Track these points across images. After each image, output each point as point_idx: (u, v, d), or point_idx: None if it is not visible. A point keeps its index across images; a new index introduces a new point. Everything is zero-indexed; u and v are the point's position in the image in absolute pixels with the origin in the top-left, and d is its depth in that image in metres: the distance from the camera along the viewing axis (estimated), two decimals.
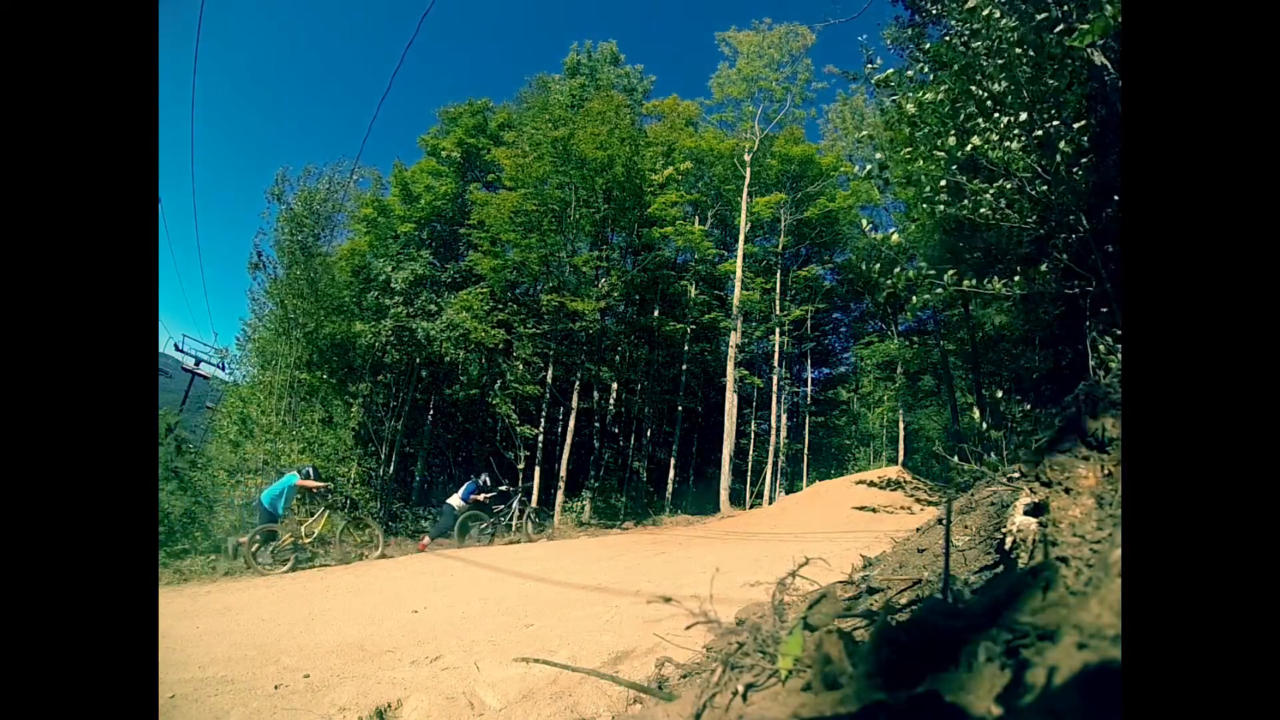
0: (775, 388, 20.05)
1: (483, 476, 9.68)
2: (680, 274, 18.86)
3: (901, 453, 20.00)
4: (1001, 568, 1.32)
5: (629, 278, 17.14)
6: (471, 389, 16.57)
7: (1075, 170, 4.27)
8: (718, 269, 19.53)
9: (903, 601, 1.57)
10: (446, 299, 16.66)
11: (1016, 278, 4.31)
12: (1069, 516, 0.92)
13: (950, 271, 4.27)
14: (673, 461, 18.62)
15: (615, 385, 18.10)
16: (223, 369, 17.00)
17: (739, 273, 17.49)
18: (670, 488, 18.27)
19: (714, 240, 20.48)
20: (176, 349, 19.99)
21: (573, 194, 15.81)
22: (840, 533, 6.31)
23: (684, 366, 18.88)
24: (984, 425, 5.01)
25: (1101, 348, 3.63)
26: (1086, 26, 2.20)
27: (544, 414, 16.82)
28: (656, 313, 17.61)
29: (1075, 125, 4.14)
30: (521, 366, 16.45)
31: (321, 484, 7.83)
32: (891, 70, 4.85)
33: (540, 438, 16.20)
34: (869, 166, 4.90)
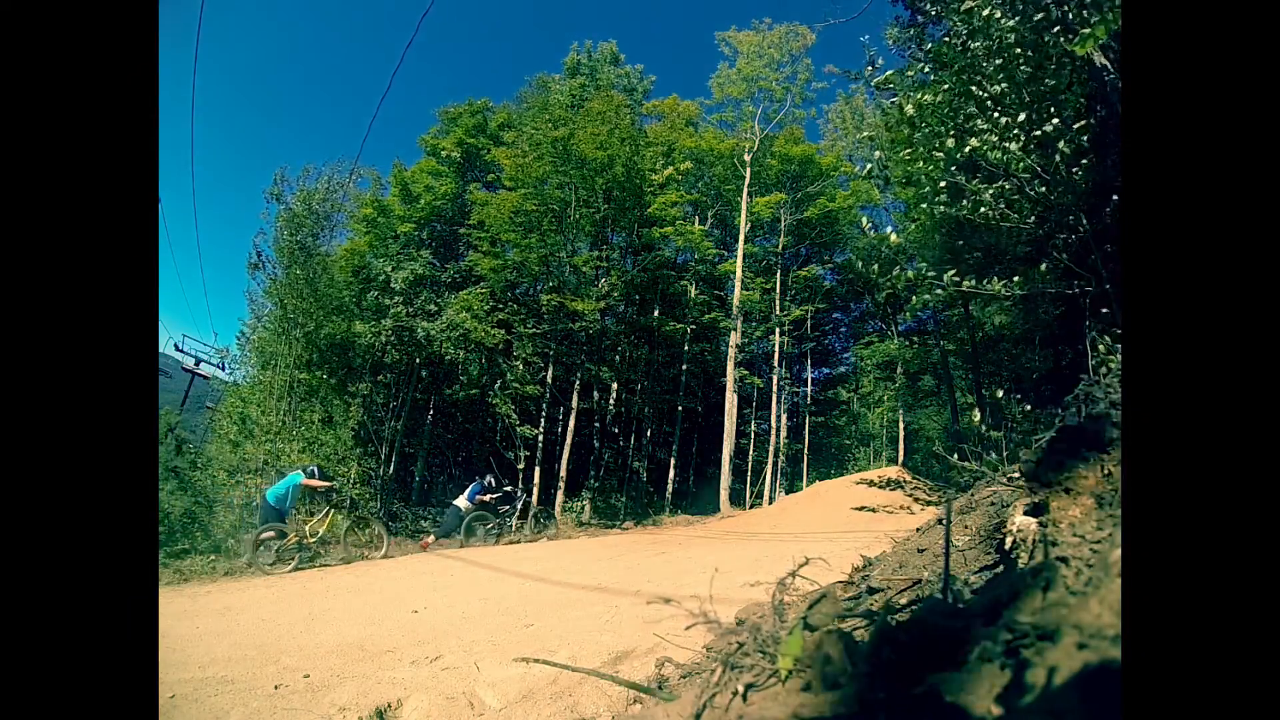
0: (775, 388, 20.05)
1: (488, 478, 9.81)
2: (680, 274, 18.87)
3: (901, 453, 20.01)
4: (1001, 568, 1.32)
5: (629, 278, 17.14)
6: (471, 389, 16.58)
7: (1075, 170, 4.27)
8: (718, 269, 19.53)
9: (903, 601, 1.57)
10: (446, 299, 16.67)
11: (1016, 278, 4.31)
12: (1069, 516, 0.92)
13: (950, 272, 4.27)
14: (673, 461, 18.62)
15: (615, 385, 18.10)
16: (223, 369, 17.00)
17: (739, 273, 17.49)
18: (670, 488, 18.27)
19: (714, 240, 20.49)
20: (176, 349, 20.01)
21: (573, 194, 15.81)
22: (840, 533, 6.31)
23: (684, 366, 18.89)
24: (984, 425, 5.00)
25: (1101, 347, 3.63)
26: (1088, 31, 2.20)
27: (544, 414, 16.82)
28: (656, 313, 17.61)
29: (1075, 125, 4.14)
30: (521, 366, 16.46)
31: (326, 484, 7.85)
32: (892, 71, 4.85)
33: (540, 438, 16.20)
34: (869, 166, 4.91)
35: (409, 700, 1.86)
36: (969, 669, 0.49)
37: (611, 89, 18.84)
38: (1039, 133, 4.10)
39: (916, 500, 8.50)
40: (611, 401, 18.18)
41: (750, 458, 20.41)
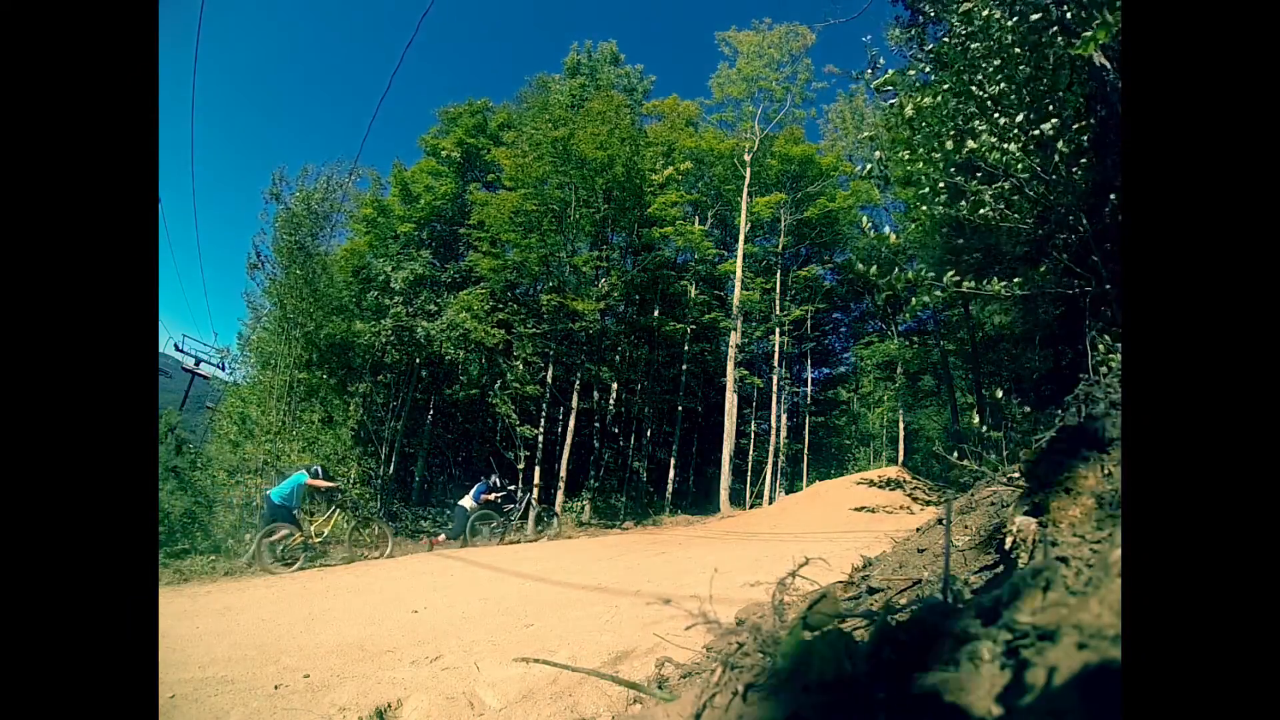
0: (775, 388, 20.04)
1: (493, 477, 9.91)
2: (680, 274, 18.87)
3: (901, 453, 20.01)
4: (1001, 568, 1.32)
5: (629, 278, 17.14)
6: (471, 389, 16.58)
7: (1074, 170, 4.26)
8: (718, 269, 19.53)
9: (903, 601, 1.57)
10: (446, 299, 16.67)
11: (1016, 278, 4.30)
12: (1069, 516, 0.92)
13: (950, 273, 4.26)
14: (673, 461, 18.62)
15: (615, 385, 18.10)
16: (223, 369, 17.00)
17: (739, 273, 17.48)
18: (670, 488, 18.27)
19: (714, 240, 20.48)
20: (176, 349, 20.00)
21: (573, 194, 15.81)
22: (840, 533, 6.31)
23: (684, 366, 18.89)
24: (984, 425, 5.00)
25: (1101, 347, 3.63)
26: (1089, 34, 2.20)
27: (544, 414, 16.82)
28: (656, 313, 17.61)
29: (1074, 126, 4.14)
30: (521, 366, 16.46)
31: (330, 484, 7.87)
32: (894, 71, 4.84)
33: (540, 438, 16.20)
34: (869, 166, 4.90)
35: (409, 700, 1.86)
36: (969, 669, 0.49)
37: (611, 89, 18.83)
38: (1038, 133, 4.10)
39: (916, 500, 8.50)
40: (611, 401, 18.18)
41: (750, 458, 20.41)
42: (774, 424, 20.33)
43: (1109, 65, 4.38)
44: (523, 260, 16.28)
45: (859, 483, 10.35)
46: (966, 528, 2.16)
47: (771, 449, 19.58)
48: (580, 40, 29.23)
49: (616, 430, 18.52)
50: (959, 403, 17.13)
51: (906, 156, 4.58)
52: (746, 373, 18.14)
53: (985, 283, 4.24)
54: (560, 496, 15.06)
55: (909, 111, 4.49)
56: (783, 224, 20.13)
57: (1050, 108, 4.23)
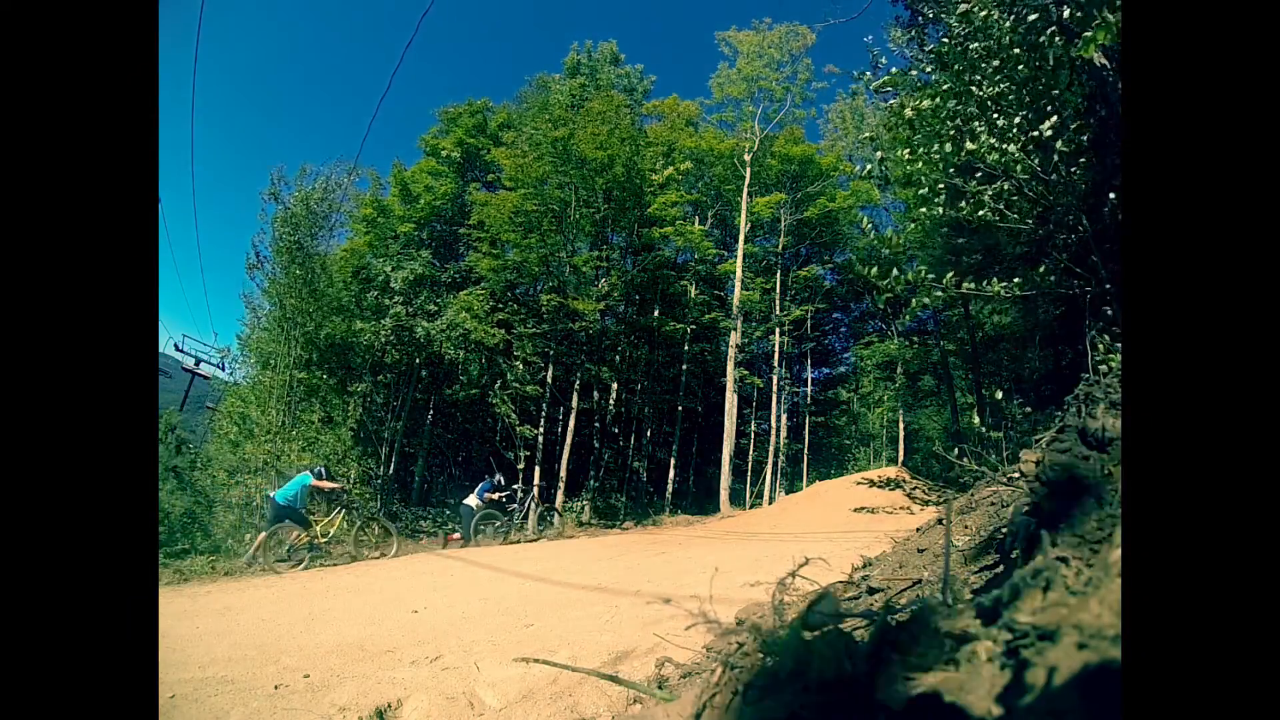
0: (775, 388, 20.05)
1: (497, 477, 9.97)
2: (680, 274, 18.87)
3: (901, 453, 20.01)
4: (1001, 568, 1.32)
5: (629, 278, 17.15)
6: (471, 389, 16.58)
7: (1074, 170, 4.26)
8: (718, 269, 19.53)
9: (903, 601, 1.57)
10: (446, 299, 16.67)
11: (1016, 279, 4.30)
12: (1069, 516, 0.92)
13: (950, 275, 4.26)
14: (673, 461, 18.62)
15: (615, 385, 18.10)
16: (223, 369, 17.01)
17: (739, 273, 17.48)
18: (670, 488, 18.27)
19: (714, 240, 20.49)
20: (176, 349, 20.00)
21: (573, 194, 15.81)
22: (840, 533, 6.31)
23: (684, 366, 18.89)
24: (984, 425, 5.00)
25: (1101, 347, 3.63)
26: (1090, 35, 2.20)
27: (544, 414, 16.82)
28: (656, 313, 17.61)
29: (1074, 126, 4.14)
30: (521, 366, 16.46)
31: (334, 484, 7.91)
32: (896, 70, 4.84)
33: (540, 438, 16.21)
34: (869, 167, 4.90)
35: (409, 700, 1.86)
36: (969, 669, 0.49)
37: (611, 89, 18.85)
38: (1037, 133, 4.10)
39: (915, 500, 8.50)
40: (611, 401, 18.18)
41: (750, 458, 20.41)
42: (774, 424, 20.33)
43: (1109, 65, 4.38)
44: (523, 260, 16.28)
45: (859, 483, 10.35)
46: (966, 528, 2.16)
47: (771, 449, 19.58)
48: (580, 40, 29.28)
49: (616, 430, 18.52)
50: (959, 403, 17.14)
51: (906, 156, 4.58)
52: (746, 373, 18.14)
53: (985, 283, 4.24)
54: (560, 496, 15.07)
55: (908, 112, 4.50)
56: (783, 224, 20.13)
57: (1049, 108, 4.23)
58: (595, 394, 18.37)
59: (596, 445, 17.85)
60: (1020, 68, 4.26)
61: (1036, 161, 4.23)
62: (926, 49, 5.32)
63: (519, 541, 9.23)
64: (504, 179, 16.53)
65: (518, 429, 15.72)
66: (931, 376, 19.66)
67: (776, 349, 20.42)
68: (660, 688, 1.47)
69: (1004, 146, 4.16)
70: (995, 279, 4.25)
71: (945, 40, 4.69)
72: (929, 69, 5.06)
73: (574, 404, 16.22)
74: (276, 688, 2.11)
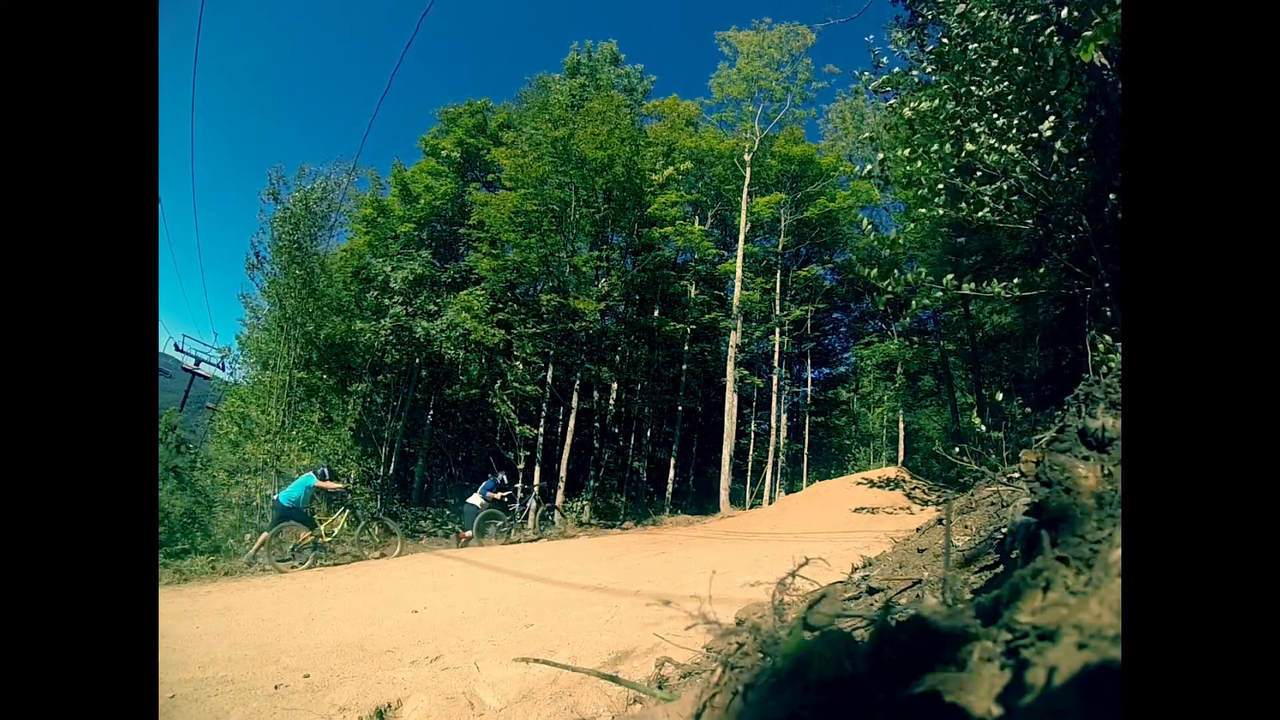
0: (775, 388, 20.04)
1: (500, 475, 10.01)
2: (680, 274, 18.86)
3: (901, 453, 20.00)
4: (1001, 568, 1.32)
5: (629, 278, 17.15)
6: (471, 389, 16.59)
7: (1074, 170, 4.27)
8: (718, 269, 19.53)
9: (903, 601, 1.57)
10: (446, 299, 16.68)
11: (1016, 279, 4.31)
12: (1069, 516, 0.92)
13: (950, 276, 4.26)
14: (673, 461, 18.61)
15: (615, 385, 18.10)
16: (223, 369, 17.01)
17: (739, 273, 17.48)
18: (670, 488, 18.27)
19: (714, 240, 20.48)
20: (176, 349, 19.98)
21: (573, 194, 15.81)
22: (840, 533, 6.31)
23: (684, 366, 18.88)
24: (984, 425, 5.00)
25: (1101, 347, 3.63)
26: (1089, 34, 2.20)
27: (544, 414, 16.83)
28: (656, 313, 17.61)
29: (1073, 125, 4.14)
30: (521, 366, 16.47)
31: (339, 485, 7.96)
32: (897, 70, 4.85)
33: (540, 438, 16.21)
34: (869, 167, 4.90)
35: (409, 700, 1.86)
36: (969, 669, 0.49)
37: (611, 89, 18.84)
38: (1036, 134, 4.10)
39: (915, 500, 8.50)
40: (611, 401, 18.18)
41: (750, 458, 20.41)
42: (774, 424, 20.32)
43: (1108, 65, 4.38)
44: (523, 260, 16.28)
45: (859, 483, 10.35)
46: (966, 528, 2.16)
47: (771, 449, 19.57)
48: (580, 40, 29.30)
49: (616, 430, 18.52)
50: (959, 403, 17.13)
51: (906, 156, 4.58)
52: (746, 373, 18.14)
53: (985, 284, 4.24)
54: (560, 496, 15.07)
55: (908, 112, 4.50)
56: (783, 224, 20.12)
57: (1049, 108, 4.23)
58: (595, 394, 18.37)
59: (596, 445, 17.85)
60: (1020, 68, 4.26)
61: (1036, 162, 4.23)
62: (927, 50, 5.32)
63: (519, 541, 9.25)
64: (504, 179, 16.53)
65: (518, 429, 15.72)
66: (931, 376, 19.66)
67: (776, 349, 20.41)
68: (660, 688, 1.47)
69: (1003, 147, 4.16)
70: (995, 279, 4.25)
71: (945, 41, 4.69)
72: (929, 69, 5.06)
73: (574, 404, 16.22)
74: (276, 688, 2.11)
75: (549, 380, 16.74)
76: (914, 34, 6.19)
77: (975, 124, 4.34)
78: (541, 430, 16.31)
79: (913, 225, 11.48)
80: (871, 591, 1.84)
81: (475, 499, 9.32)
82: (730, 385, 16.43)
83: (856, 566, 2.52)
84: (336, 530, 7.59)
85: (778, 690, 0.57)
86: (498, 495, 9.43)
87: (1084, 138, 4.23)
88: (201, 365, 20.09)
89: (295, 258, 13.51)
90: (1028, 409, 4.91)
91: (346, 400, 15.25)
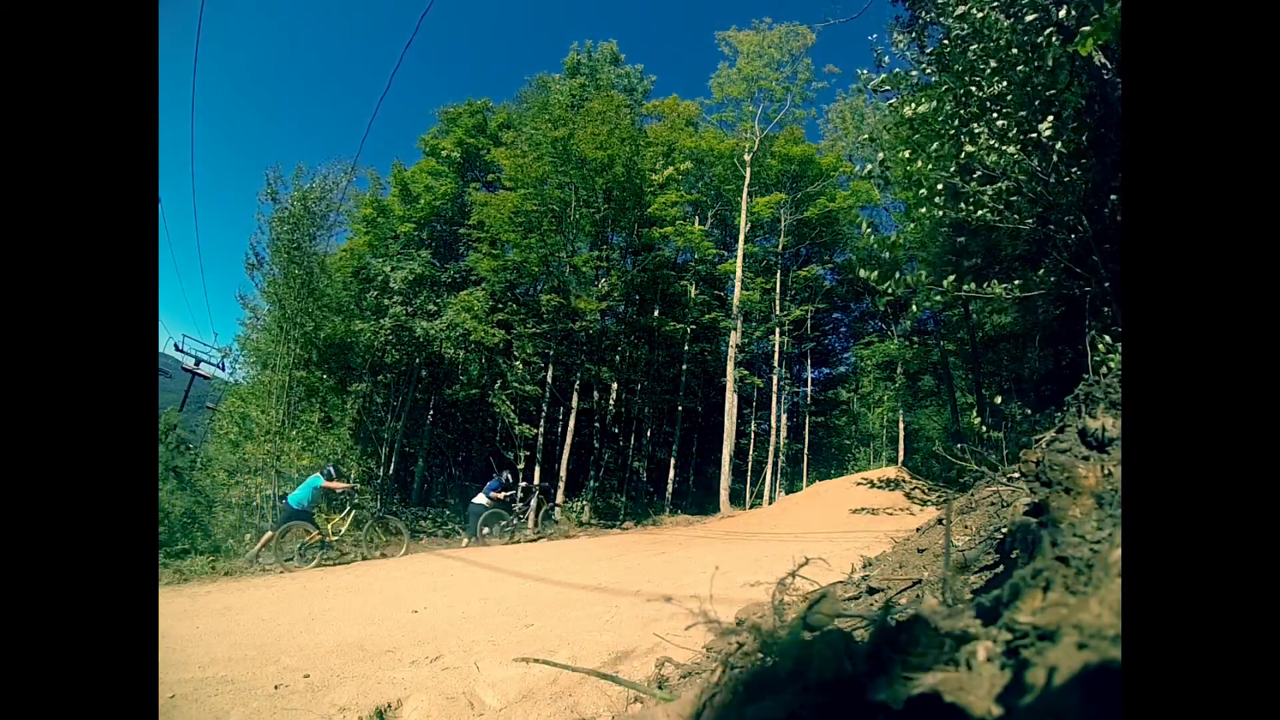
0: (775, 388, 20.04)
1: (504, 475, 10.05)
2: (680, 274, 18.86)
3: (901, 453, 20.00)
4: (1001, 568, 1.32)
5: (629, 278, 17.14)
6: (471, 389, 16.58)
7: (1074, 171, 4.27)
8: (718, 269, 19.52)
9: (903, 601, 1.57)
10: (446, 299, 16.67)
11: (1016, 280, 4.31)
12: (1069, 516, 0.92)
13: (950, 278, 4.26)
14: (673, 461, 18.61)
15: (615, 385, 18.10)
16: (223, 369, 17.01)
17: (739, 273, 17.48)
18: (670, 488, 18.27)
19: (714, 240, 20.48)
20: (176, 349, 19.97)
21: (573, 194, 15.80)
22: (840, 533, 6.31)
23: (684, 366, 18.88)
24: (984, 425, 5.00)
25: (1101, 347, 3.63)
26: (1088, 29, 2.20)
27: (544, 414, 16.82)
28: (656, 313, 17.61)
29: (1073, 126, 4.14)
30: (521, 366, 16.46)
31: (346, 485, 8.00)
32: (897, 70, 4.85)
33: (540, 438, 16.20)
34: (869, 167, 4.91)
35: (409, 700, 1.86)
36: (969, 669, 0.49)
37: (611, 89, 18.83)
38: (1036, 134, 4.10)
39: (915, 501, 8.50)
40: (611, 401, 18.17)
41: (750, 458, 20.40)
42: (774, 424, 20.32)
43: (1108, 65, 4.38)
44: (523, 260, 16.27)
45: (859, 483, 10.35)
46: (966, 528, 2.16)
47: (771, 449, 19.57)
48: (580, 40, 29.30)
49: (616, 430, 18.51)
50: (959, 403, 17.13)
51: (907, 156, 4.58)
52: (746, 373, 18.14)
53: (985, 285, 4.24)
54: (560, 496, 15.07)
55: (907, 112, 4.50)
56: (783, 224, 20.12)
57: (1048, 108, 4.23)
58: (595, 394, 18.36)
59: (596, 445, 17.84)
60: (1019, 68, 4.26)
61: (1036, 162, 4.24)
62: (927, 52, 5.32)
63: (519, 541, 9.26)
64: (504, 179, 16.51)
65: (517, 429, 15.72)
66: (931, 376, 19.66)
67: (776, 349, 20.41)
68: (660, 688, 1.47)
69: (1003, 147, 4.16)
70: (995, 280, 4.25)
71: (945, 42, 4.69)
72: (928, 71, 5.07)
73: (574, 404, 16.22)
74: (276, 688, 2.11)
75: (549, 380, 16.73)
76: (914, 35, 6.20)
77: (975, 124, 4.34)
78: (541, 430, 16.31)
79: (913, 225, 11.49)
80: (871, 591, 1.84)
81: (480, 499, 9.38)
82: (730, 385, 16.43)
83: (856, 566, 2.52)
84: (343, 530, 7.65)
85: (778, 690, 0.57)
86: (501, 495, 9.47)
87: (1084, 138, 4.23)
88: (201, 365, 20.09)
89: (294, 258, 13.50)
90: (1027, 409, 4.92)
91: (345, 400, 15.24)
